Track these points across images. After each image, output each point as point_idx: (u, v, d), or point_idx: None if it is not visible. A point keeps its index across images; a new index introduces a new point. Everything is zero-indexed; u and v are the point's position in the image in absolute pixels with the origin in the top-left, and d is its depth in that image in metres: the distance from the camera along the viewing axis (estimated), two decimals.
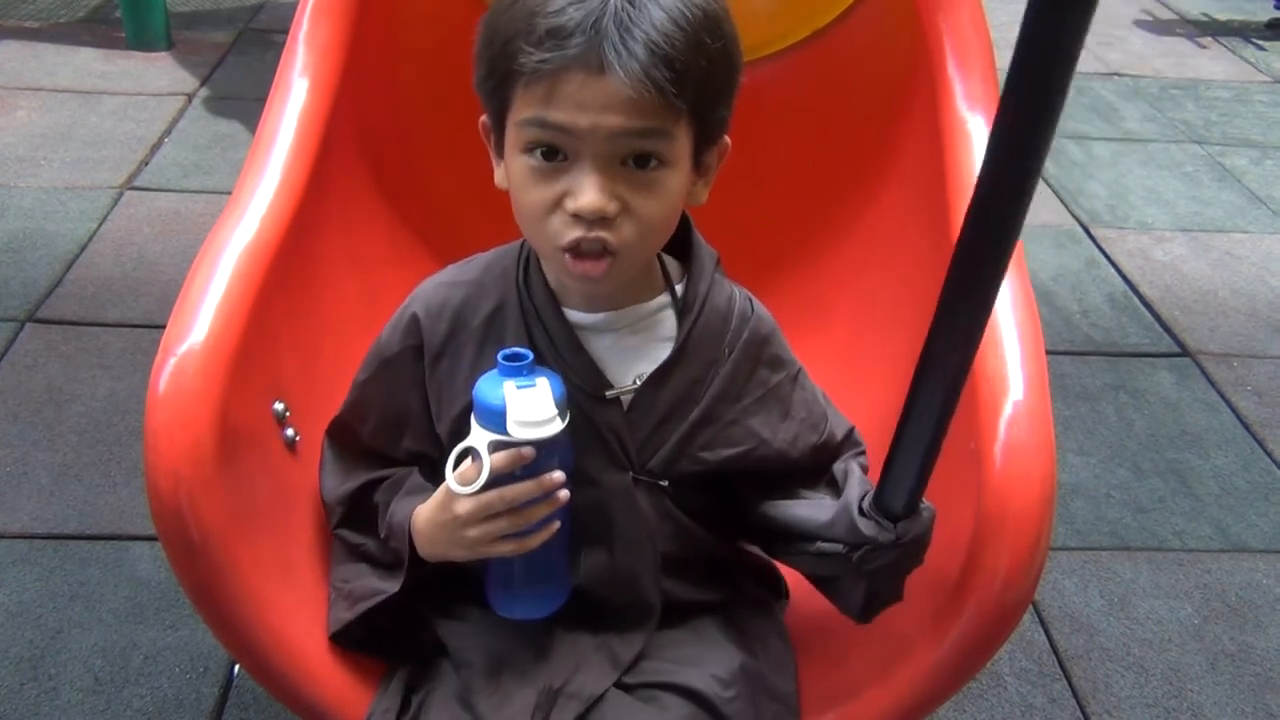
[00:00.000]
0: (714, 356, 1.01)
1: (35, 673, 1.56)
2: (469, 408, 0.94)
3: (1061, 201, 3.11)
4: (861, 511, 0.90)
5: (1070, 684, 1.66)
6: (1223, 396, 2.35)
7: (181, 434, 0.91)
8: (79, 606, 1.66)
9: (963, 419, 1.02)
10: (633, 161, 0.87)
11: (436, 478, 0.98)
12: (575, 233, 0.88)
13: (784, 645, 1.11)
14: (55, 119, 3.13)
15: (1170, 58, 4.23)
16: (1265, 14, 4.58)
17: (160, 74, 3.45)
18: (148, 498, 0.91)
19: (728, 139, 0.96)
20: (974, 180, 0.71)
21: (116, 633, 1.62)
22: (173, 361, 0.94)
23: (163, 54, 3.59)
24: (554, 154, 0.88)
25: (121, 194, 2.77)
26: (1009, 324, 1.07)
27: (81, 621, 1.64)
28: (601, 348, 0.99)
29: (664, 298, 1.01)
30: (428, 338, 1.02)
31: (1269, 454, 2.19)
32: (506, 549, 0.93)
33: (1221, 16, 4.69)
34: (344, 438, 1.09)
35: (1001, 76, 0.75)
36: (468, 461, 0.91)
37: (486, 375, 0.93)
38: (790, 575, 1.14)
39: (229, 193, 1.17)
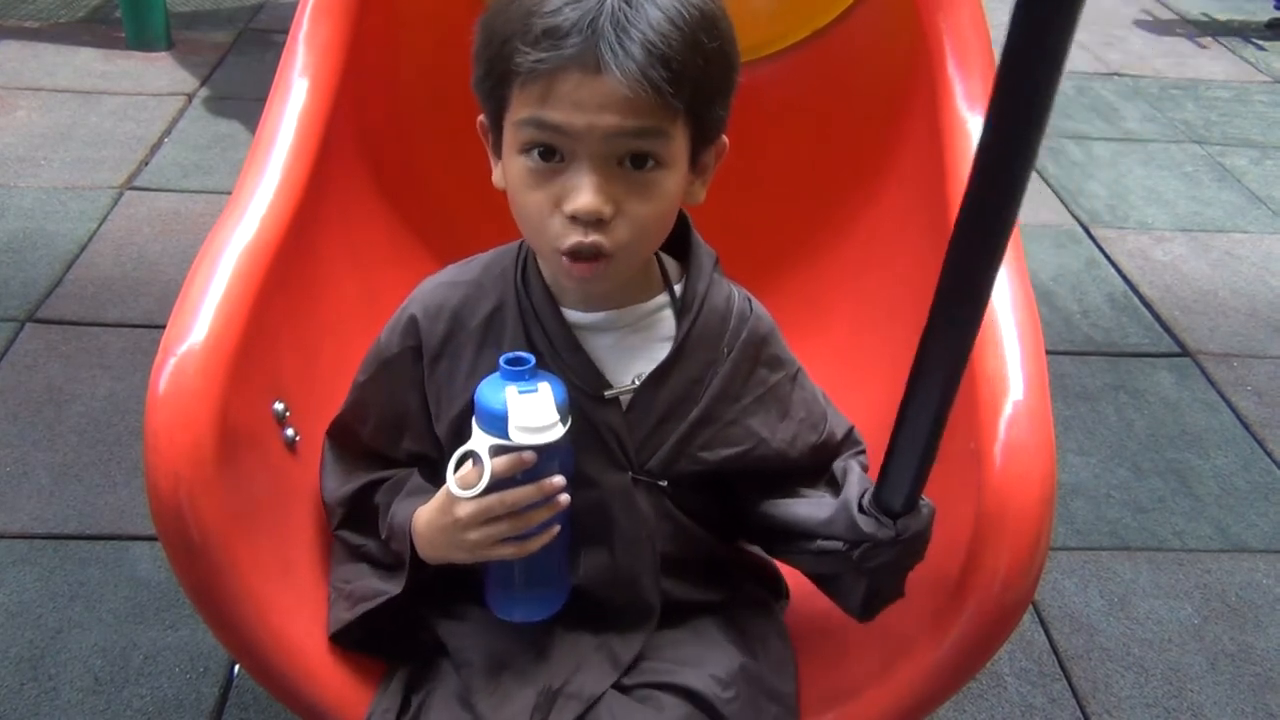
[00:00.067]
0: (713, 356, 1.01)
1: (35, 673, 1.56)
2: (468, 408, 0.94)
3: (1061, 201, 3.11)
4: (861, 509, 0.90)
5: (1070, 684, 1.66)
6: (1223, 396, 2.35)
7: (181, 434, 0.91)
8: (79, 606, 1.66)
9: (963, 419, 1.02)
10: (630, 162, 0.87)
11: (436, 478, 0.98)
12: (573, 237, 0.88)
13: (784, 645, 1.11)
14: (55, 119, 3.13)
15: (1170, 58, 4.23)
16: (1265, 14, 4.58)
17: (160, 74, 3.45)
18: (148, 498, 0.91)
19: (725, 138, 0.96)
20: None
21: (116, 633, 1.62)
22: (173, 361, 0.94)
23: (163, 54, 3.59)
24: (551, 154, 0.88)
25: (121, 194, 2.77)
26: (1009, 324, 1.07)
27: (81, 621, 1.64)
28: (600, 347, 0.99)
29: (663, 297, 1.01)
30: (426, 338, 1.02)
31: (1269, 454, 2.19)
32: (507, 552, 0.93)
33: (1221, 16, 4.69)
34: (344, 439, 1.09)
35: None
36: (468, 465, 0.91)
37: (488, 379, 0.93)
38: (790, 575, 1.14)
39: (229, 193, 1.17)
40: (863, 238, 1.64)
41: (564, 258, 0.89)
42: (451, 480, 0.91)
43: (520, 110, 0.87)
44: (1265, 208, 3.16)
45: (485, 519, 0.91)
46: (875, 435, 1.01)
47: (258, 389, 1.05)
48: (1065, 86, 3.85)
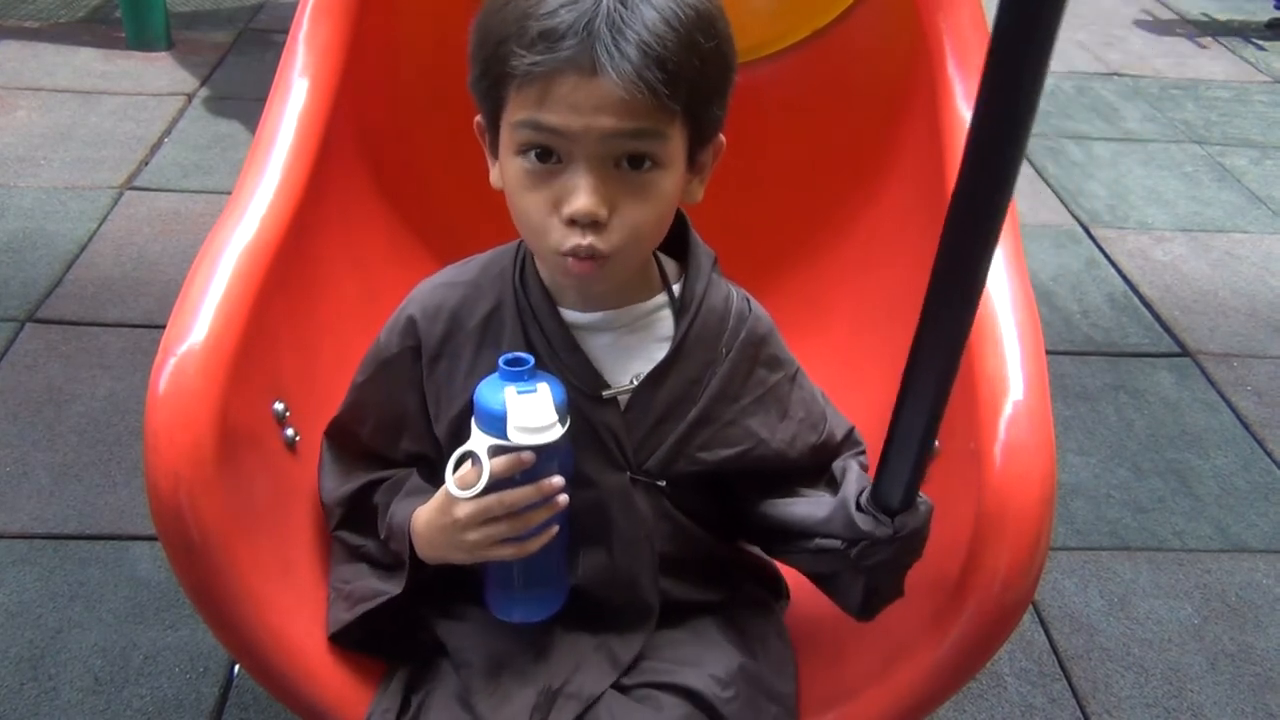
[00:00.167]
0: (711, 356, 1.01)
1: (35, 673, 1.56)
2: (467, 408, 0.94)
3: (1061, 201, 3.11)
4: (859, 506, 0.90)
5: (1070, 684, 1.66)
6: (1223, 396, 2.35)
7: (181, 434, 0.91)
8: (79, 606, 1.66)
9: (963, 419, 1.02)
10: (627, 163, 0.87)
11: (435, 479, 0.98)
12: (571, 240, 0.88)
13: (783, 646, 1.11)
14: (55, 119, 3.13)
15: (1170, 58, 4.23)
16: (1265, 14, 4.58)
17: (160, 74, 3.45)
18: (148, 498, 0.91)
19: (722, 138, 0.96)
20: None
21: (116, 633, 1.62)
22: (173, 361, 0.94)
23: (163, 54, 3.59)
24: (548, 155, 0.87)
25: (121, 194, 2.77)
26: (1009, 324, 1.07)
27: (81, 621, 1.64)
28: (598, 347, 0.99)
29: (661, 297, 1.01)
30: (425, 339, 1.02)
31: (1269, 454, 2.19)
32: (506, 553, 0.93)
33: (1221, 16, 4.69)
34: (342, 439, 1.09)
35: None
36: (467, 465, 0.91)
37: (487, 380, 0.93)
38: (790, 575, 1.14)
39: (229, 193, 1.17)
40: (863, 238, 1.64)
41: (562, 257, 0.89)
42: (450, 481, 0.91)
43: (517, 112, 0.87)
44: (1265, 208, 3.16)
45: (484, 519, 0.91)
46: (875, 435, 1.01)
47: (258, 389, 1.05)
48: (1065, 86, 3.85)
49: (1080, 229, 2.97)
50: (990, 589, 0.93)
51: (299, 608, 1.02)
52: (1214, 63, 4.22)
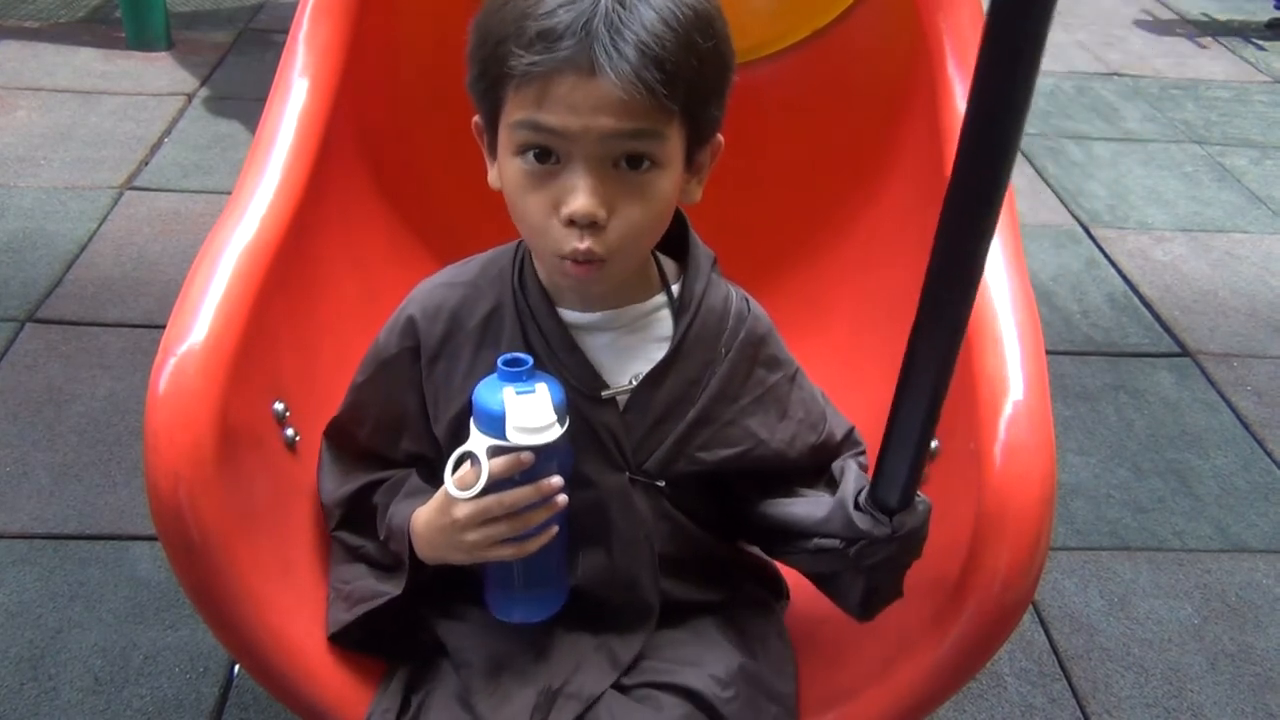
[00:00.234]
0: (710, 356, 1.01)
1: (35, 673, 1.56)
2: (466, 409, 0.94)
3: (1061, 201, 3.11)
4: (857, 506, 0.90)
5: (1070, 684, 1.66)
6: (1223, 396, 2.35)
7: (181, 434, 0.91)
8: (79, 606, 1.66)
9: (963, 419, 1.02)
10: (625, 163, 0.87)
11: (435, 479, 0.98)
12: (570, 243, 0.88)
13: (783, 646, 1.11)
14: (55, 119, 3.13)
15: (1170, 58, 4.23)
16: (1265, 14, 4.58)
17: (160, 74, 3.45)
18: (148, 498, 0.91)
19: (720, 137, 0.96)
20: None
21: (116, 633, 1.62)
22: (173, 361, 0.94)
23: (163, 54, 3.59)
24: (546, 156, 0.87)
25: (121, 194, 2.77)
26: (1009, 324, 1.07)
27: (81, 621, 1.64)
28: (597, 347, 0.99)
29: (660, 297, 1.01)
30: (424, 339, 1.02)
31: (1269, 454, 2.19)
32: (505, 553, 0.93)
33: (1221, 16, 4.69)
34: (342, 440, 1.09)
35: None
36: (466, 466, 0.91)
37: (486, 380, 0.92)
38: (790, 576, 1.14)
39: (229, 193, 1.17)
40: (863, 238, 1.64)
41: (561, 260, 0.89)
42: (449, 481, 0.91)
43: (515, 112, 0.87)
44: (1265, 208, 3.16)
45: (483, 520, 0.91)
46: (875, 435, 1.01)
47: (258, 389, 1.05)
48: (1065, 86, 3.85)
49: (1080, 229, 2.97)
50: (990, 589, 0.93)
51: (299, 608, 1.02)
52: (1214, 63, 4.22)
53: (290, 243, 1.14)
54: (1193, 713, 1.64)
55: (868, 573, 0.93)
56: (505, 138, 0.90)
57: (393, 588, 1.01)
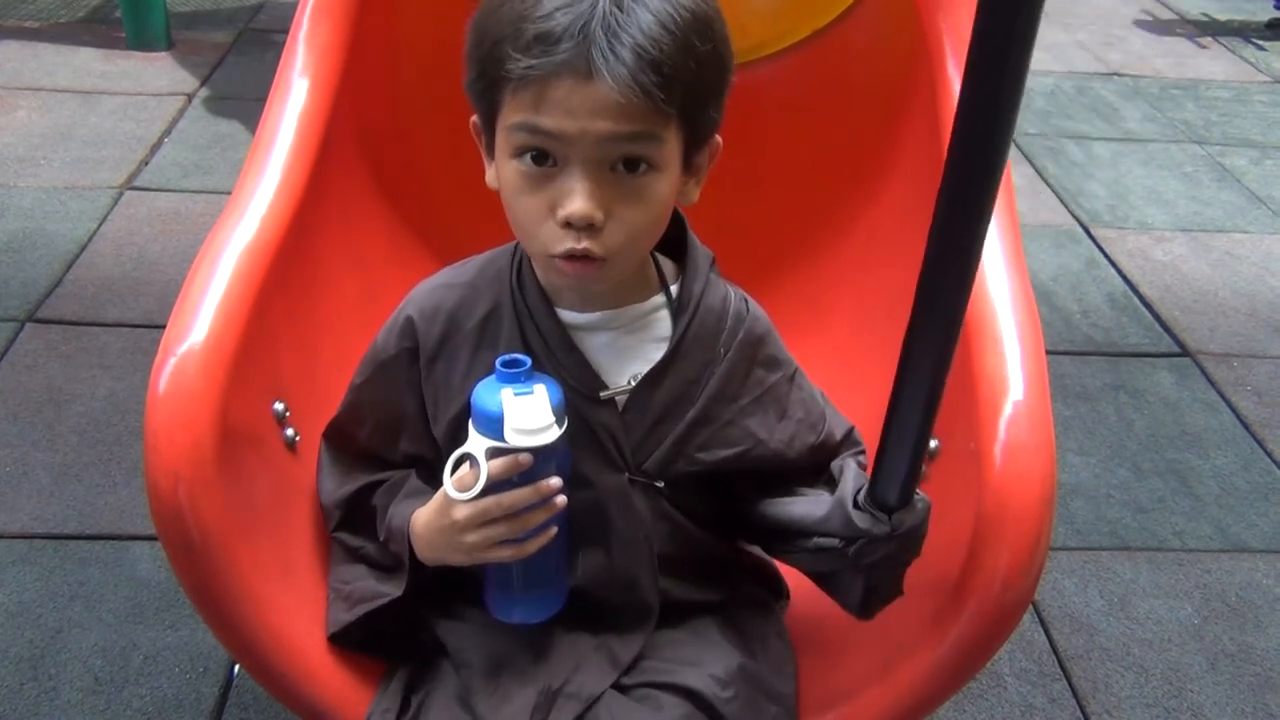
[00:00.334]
0: (709, 357, 1.01)
1: (35, 673, 1.56)
2: (465, 410, 0.94)
3: (1061, 201, 3.11)
4: (856, 504, 0.90)
5: (1070, 684, 1.66)
6: (1223, 396, 2.35)
7: (181, 434, 0.91)
8: (79, 606, 1.66)
9: (963, 419, 1.02)
10: (622, 166, 0.87)
11: (434, 480, 0.98)
12: (566, 244, 0.88)
13: (783, 646, 1.11)
14: (55, 119, 3.13)
15: (1170, 58, 4.23)
16: (1265, 14, 4.58)
17: (160, 74, 3.45)
18: (148, 498, 0.91)
19: (719, 138, 0.96)
20: None
21: (116, 633, 1.62)
22: (173, 361, 0.94)
23: (163, 54, 3.59)
24: (544, 159, 0.87)
25: (121, 194, 2.77)
26: (1009, 324, 1.07)
27: (81, 621, 1.64)
28: (595, 348, 0.99)
29: (659, 298, 1.01)
30: (423, 340, 1.02)
31: (1269, 454, 2.19)
32: (504, 554, 0.93)
33: (1221, 16, 4.69)
34: (341, 441, 1.09)
35: None
36: (465, 467, 0.91)
37: (484, 381, 0.92)
38: (790, 575, 1.14)
39: (229, 193, 1.17)
40: (863, 238, 1.64)
41: (555, 259, 0.89)
42: (448, 483, 0.91)
43: (513, 115, 0.87)
44: (1265, 208, 3.16)
45: (482, 521, 0.91)
46: (875, 435, 1.01)
47: (258, 389, 1.05)
48: (1065, 86, 3.85)
49: (1080, 229, 2.97)
50: (990, 589, 0.93)
51: (299, 608, 1.02)
52: (1214, 63, 4.22)
53: (290, 243, 1.14)
54: (1193, 713, 1.64)
55: (867, 571, 0.93)
56: (503, 140, 0.90)
57: (393, 588, 1.01)
